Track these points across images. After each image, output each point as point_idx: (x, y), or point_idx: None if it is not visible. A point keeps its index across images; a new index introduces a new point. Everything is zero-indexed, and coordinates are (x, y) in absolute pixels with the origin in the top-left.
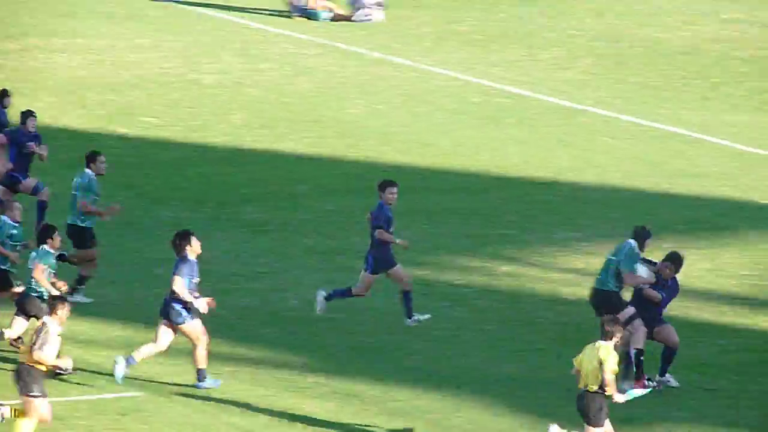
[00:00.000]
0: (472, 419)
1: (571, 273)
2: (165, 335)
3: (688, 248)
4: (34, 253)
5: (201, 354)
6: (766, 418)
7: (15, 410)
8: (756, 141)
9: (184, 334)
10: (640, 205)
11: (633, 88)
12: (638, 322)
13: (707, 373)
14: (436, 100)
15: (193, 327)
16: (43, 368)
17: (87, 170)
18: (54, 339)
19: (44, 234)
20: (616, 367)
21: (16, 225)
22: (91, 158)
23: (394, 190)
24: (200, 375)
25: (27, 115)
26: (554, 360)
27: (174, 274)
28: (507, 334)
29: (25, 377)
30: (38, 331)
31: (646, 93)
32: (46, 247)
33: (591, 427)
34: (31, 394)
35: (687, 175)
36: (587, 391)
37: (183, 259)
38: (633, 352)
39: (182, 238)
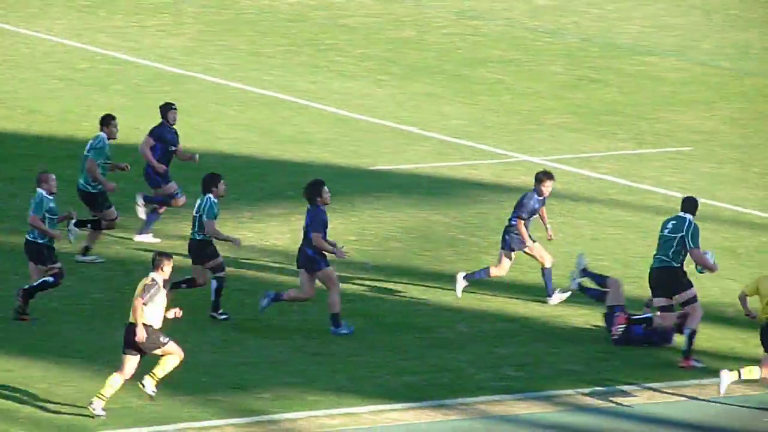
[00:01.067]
0: (82, 388)
1: (175, 239)
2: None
3: (296, 214)
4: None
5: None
6: (376, 381)
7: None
8: (360, 108)
9: (320, 280)
10: (251, 171)
11: (242, 55)
12: (697, 303)
13: (318, 339)
14: (42, 66)
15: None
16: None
17: (101, 133)
18: (161, 294)
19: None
20: None
21: (52, 198)
22: (104, 121)
23: None
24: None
25: (168, 108)
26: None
27: (311, 228)
28: (119, 304)
29: (149, 334)
30: (147, 288)
31: (256, 60)
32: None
33: None
34: (163, 342)
35: (295, 142)
36: None
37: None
38: (687, 332)
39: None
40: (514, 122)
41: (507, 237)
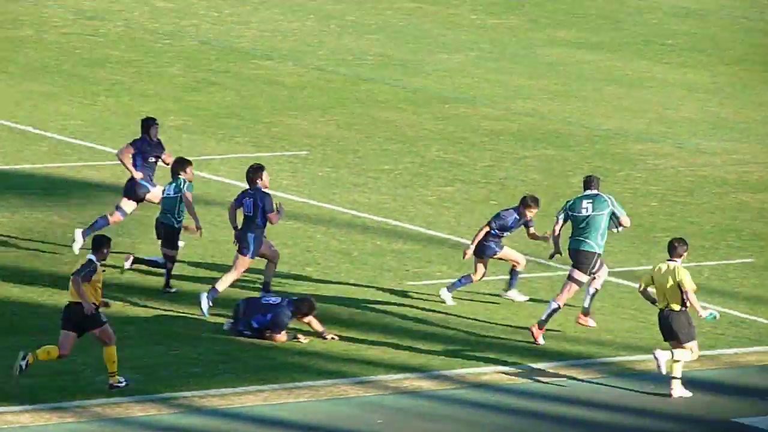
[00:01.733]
0: None
1: None
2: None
3: None
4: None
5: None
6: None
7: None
8: None
9: (234, 262)
10: None
11: None
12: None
13: None
14: None
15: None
16: None
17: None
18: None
19: None
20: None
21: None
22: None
23: None
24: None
25: (150, 123)
26: None
27: (263, 209)
28: None
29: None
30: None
31: None
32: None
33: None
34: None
35: None
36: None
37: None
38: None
39: (256, 172)
40: (134, 123)
41: (484, 245)
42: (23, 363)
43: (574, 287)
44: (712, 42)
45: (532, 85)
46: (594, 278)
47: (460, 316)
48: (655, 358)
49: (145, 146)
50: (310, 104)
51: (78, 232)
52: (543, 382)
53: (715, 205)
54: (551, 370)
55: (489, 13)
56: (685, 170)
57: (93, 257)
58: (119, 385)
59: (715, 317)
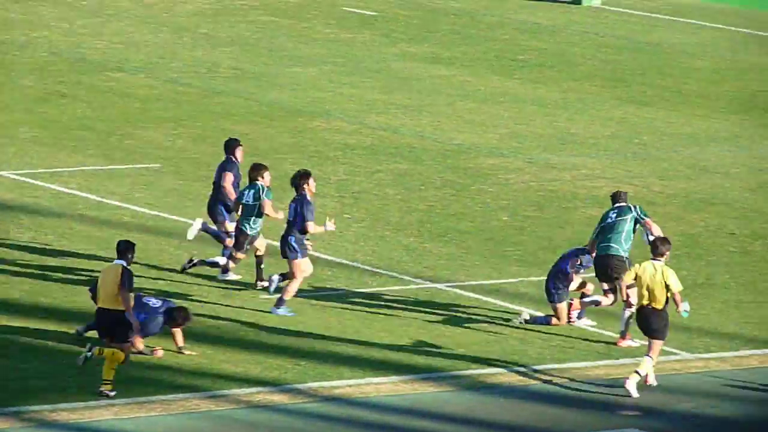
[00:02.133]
0: None
1: None
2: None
3: None
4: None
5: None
6: None
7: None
8: None
9: (290, 268)
10: None
11: None
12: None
13: None
14: None
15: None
16: None
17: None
18: None
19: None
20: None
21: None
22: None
23: None
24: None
25: (235, 145)
26: None
27: (301, 216)
28: None
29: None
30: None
31: None
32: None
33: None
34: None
35: None
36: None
37: (304, 199)
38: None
39: (301, 179)
40: None
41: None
42: (89, 354)
43: (623, 284)
44: (561, 58)
45: (386, 99)
46: (628, 295)
47: (312, 331)
48: (626, 388)
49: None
50: (163, 117)
51: (198, 221)
52: (395, 395)
53: (564, 219)
54: (403, 384)
55: (342, 28)
56: (536, 185)
57: (124, 263)
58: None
59: (686, 313)
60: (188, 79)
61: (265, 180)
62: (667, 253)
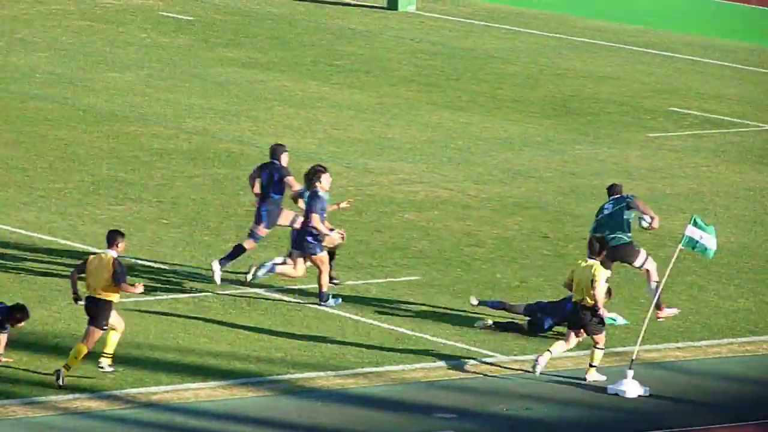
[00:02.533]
0: None
1: None
2: (301, 265)
3: None
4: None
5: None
6: None
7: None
8: None
9: (314, 263)
10: None
11: None
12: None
13: None
14: None
15: (323, 257)
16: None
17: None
18: None
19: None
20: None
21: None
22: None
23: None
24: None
25: (280, 150)
26: None
27: (310, 210)
28: None
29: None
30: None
31: None
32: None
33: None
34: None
35: None
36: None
37: (315, 194)
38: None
39: (314, 175)
40: None
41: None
42: (60, 373)
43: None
44: (378, 63)
45: (204, 104)
46: (648, 272)
47: (130, 336)
48: (536, 362)
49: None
50: None
51: (215, 263)
52: (213, 401)
53: (382, 223)
54: (222, 389)
55: (159, 32)
56: (354, 190)
57: (115, 253)
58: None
59: (613, 321)
60: (4, 84)
61: (322, 185)
62: (604, 252)
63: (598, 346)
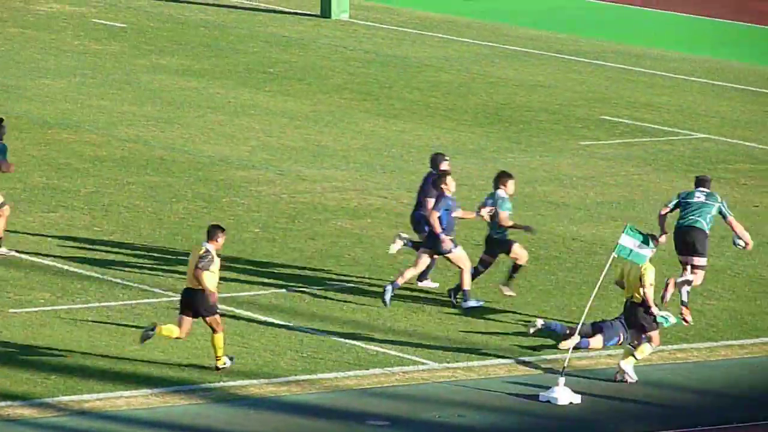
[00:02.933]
0: None
1: None
2: (424, 262)
3: None
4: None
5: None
6: None
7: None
8: None
9: (451, 261)
10: None
11: None
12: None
13: None
14: None
15: (459, 255)
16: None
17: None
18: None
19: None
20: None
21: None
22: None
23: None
24: (465, 295)
25: (440, 160)
26: None
27: (432, 208)
28: None
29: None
30: (202, 257)
31: None
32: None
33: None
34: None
35: None
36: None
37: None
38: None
39: (441, 177)
40: None
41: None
42: (151, 332)
43: (699, 275)
44: (311, 71)
45: (136, 111)
46: (695, 273)
47: (62, 344)
48: (623, 370)
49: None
50: None
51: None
52: (146, 408)
53: (315, 231)
54: (154, 397)
55: (92, 39)
56: (287, 197)
57: (210, 247)
58: (225, 366)
59: (665, 319)
60: None
61: (507, 188)
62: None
63: (651, 343)
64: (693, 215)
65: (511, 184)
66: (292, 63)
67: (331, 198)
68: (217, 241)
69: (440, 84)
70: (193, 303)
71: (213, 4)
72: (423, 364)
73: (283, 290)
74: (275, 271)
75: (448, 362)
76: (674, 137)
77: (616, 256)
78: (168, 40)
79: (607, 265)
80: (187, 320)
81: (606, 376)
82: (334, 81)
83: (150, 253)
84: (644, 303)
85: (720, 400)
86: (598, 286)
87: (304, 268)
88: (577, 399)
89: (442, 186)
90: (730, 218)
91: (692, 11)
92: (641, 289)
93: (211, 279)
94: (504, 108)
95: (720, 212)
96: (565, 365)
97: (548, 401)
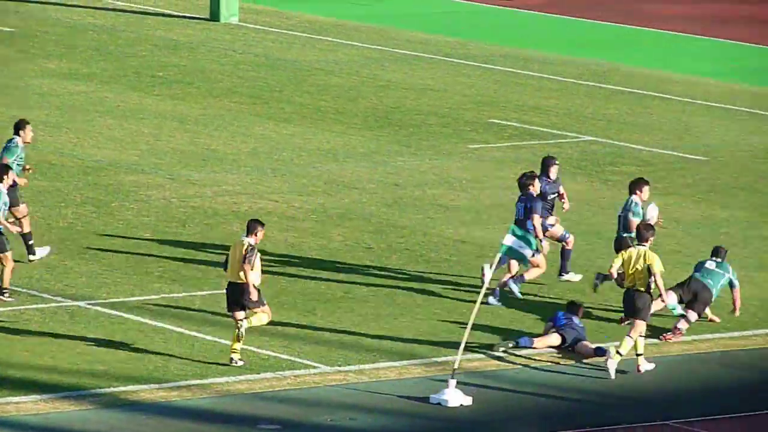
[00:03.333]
0: None
1: None
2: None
3: None
4: None
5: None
6: None
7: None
8: None
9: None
10: None
11: None
12: None
13: None
14: None
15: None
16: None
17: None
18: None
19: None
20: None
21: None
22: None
23: None
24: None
25: (549, 163)
26: None
27: (533, 212)
28: None
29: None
30: (249, 253)
31: None
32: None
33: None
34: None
35: None
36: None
37: (533, 197)
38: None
39: (529, 178)
40: None
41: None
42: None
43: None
44: (201, 75)
45: (24, 115)
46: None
47: None
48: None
49: (544, 185)
50: None
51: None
52: (36, 414)
53: (206, 235)
54: (44, 403)
55: None
56: (177, 201)
57: (251, 241)
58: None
59: (674, 309)
60: None
61: (642, 194)
62: (651, 238)
63: (631, 334)
64: (705, 278)
65: (646, 190)
66: (181, 66)
67: (222, 202)
68: (257, 235)
69: (330, 87)
70: (242, 297)
71: (101, 8)
72: (314, 367)
73: (174, 295)
74: (165, 275)
75: (339, 365)
76: (562, 140)
77: (501, 255)
78: (56, 44)
79: (494, 267)
80: (239, 314)
81: (496, 377)
82: (224, 84)
83: (39, 259)
84: (648, 291)
85: (606, 400)
86: (485, 286)
87: (195, 273)
88: (468, 401)
89: (530, 187)
90: (736, 290)
91: (580, 15)
92: (651, 278)
93: (255, 273)
94: (394, 111)
95: (730, 283)
96: (456, 367)
97: (439, 403)
